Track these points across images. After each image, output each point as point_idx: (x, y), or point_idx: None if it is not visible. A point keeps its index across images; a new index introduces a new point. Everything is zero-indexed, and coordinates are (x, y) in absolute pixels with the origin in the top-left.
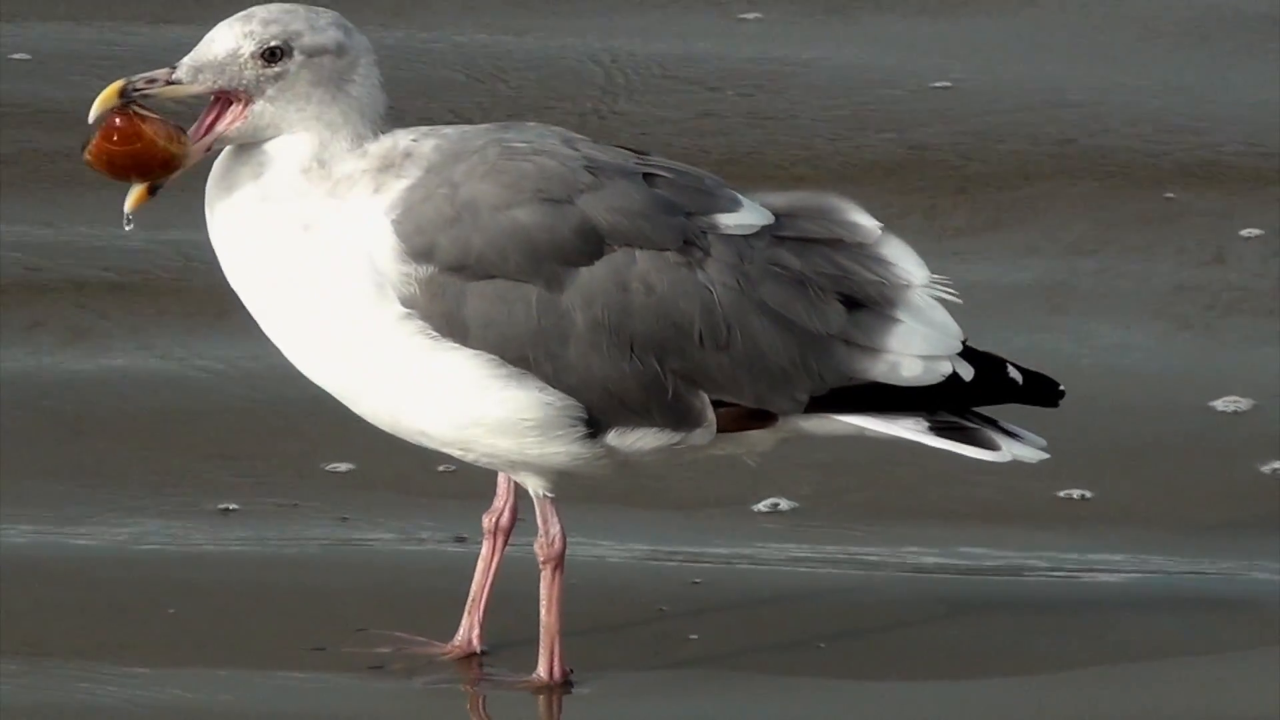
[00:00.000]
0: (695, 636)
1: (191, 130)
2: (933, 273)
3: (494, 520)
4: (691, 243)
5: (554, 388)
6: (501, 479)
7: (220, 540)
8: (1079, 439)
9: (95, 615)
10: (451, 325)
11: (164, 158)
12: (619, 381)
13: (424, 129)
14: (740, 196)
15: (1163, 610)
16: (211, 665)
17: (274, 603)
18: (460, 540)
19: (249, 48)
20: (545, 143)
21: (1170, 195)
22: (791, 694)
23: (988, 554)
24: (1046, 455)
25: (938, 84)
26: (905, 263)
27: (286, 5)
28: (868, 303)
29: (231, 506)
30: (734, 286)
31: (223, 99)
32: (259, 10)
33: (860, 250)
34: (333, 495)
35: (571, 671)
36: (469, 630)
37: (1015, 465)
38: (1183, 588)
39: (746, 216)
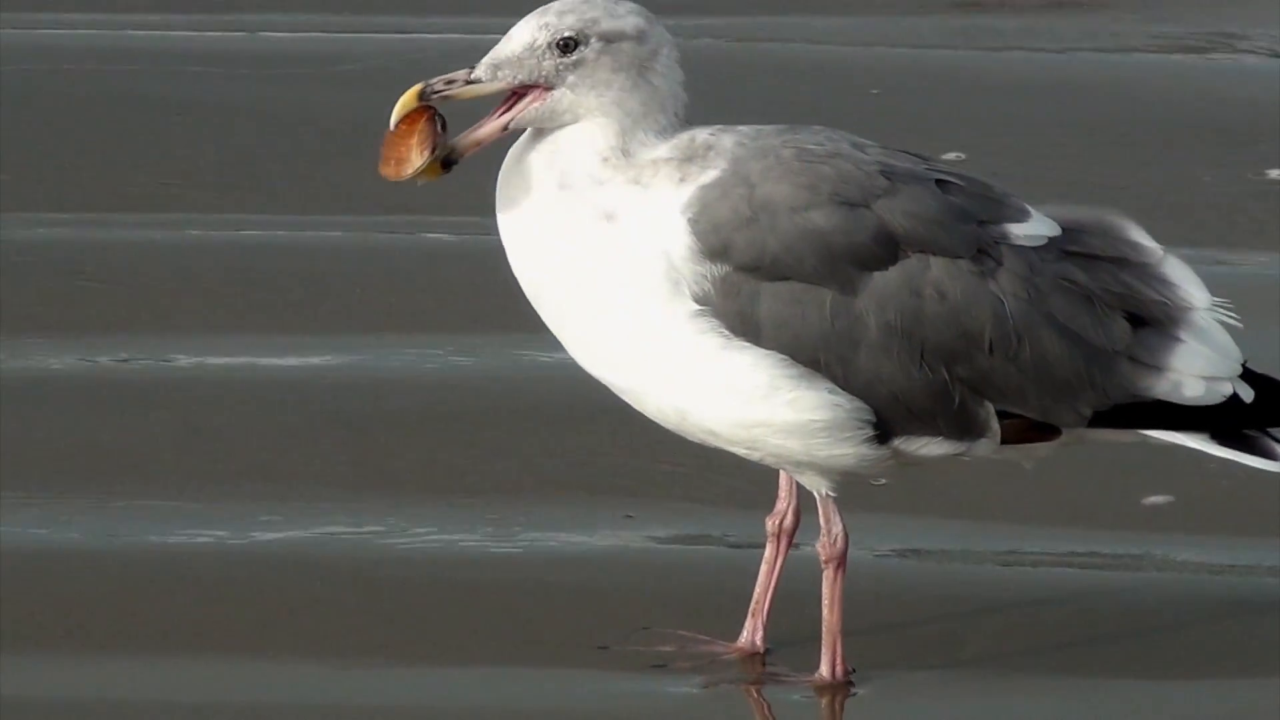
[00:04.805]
0: (975, 637)
1: (487, 118)
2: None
3: (777, 522)
4: (984, 252)
5: (843, 390)
6: (783, 480)
7: (499, 539)
8: None
9: (376, 613)
10: (745, 324)
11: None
12: (907, 387)
13: (717, 126)
14: (1028, 207)
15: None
16: (496, 663)
17: (557, 601)
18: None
19: (544, 38)
20: (838, 146)
21: None
22: (1070, 695)
23: None
24: None
25: None
26: (1187, 285)
27: None
28: (1152, 321)
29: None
30: (1024, 298)
31: (520, 92)
32: (557, 3)
33: (1144, 270)
34: (617, 493)
35: (854, 670)
36: (752, 632)
37: None
38: None
39: (1036, 227)
